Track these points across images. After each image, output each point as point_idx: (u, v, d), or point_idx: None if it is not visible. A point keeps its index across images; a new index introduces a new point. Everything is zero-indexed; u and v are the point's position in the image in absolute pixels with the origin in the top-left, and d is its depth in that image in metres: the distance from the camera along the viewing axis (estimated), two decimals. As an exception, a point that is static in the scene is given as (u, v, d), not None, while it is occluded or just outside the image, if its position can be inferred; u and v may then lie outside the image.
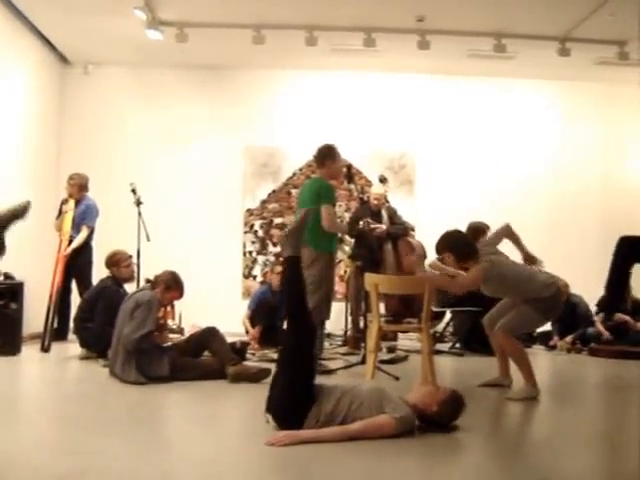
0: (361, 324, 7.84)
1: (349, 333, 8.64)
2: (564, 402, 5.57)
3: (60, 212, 8.55)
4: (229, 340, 6.37)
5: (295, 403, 3.91)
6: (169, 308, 9.05)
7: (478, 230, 7.86)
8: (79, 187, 8.51)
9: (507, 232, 6.06)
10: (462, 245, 5.75)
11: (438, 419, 4.09)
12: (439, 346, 8.46)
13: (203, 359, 6.17)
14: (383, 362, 6.69)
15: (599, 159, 11.17)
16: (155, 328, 5.94)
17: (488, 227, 8.06)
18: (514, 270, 5.70)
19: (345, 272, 9.83)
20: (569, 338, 8.83)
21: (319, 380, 4.12)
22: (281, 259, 10.48)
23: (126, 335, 5.77)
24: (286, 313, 4.24)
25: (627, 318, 8.85)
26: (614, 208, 10.92)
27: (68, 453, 3.57)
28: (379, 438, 3.80)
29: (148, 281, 6.44)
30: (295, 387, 3.95)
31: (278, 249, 10.68)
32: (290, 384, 3.95)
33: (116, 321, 6.04)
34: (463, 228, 6.87)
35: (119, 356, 5.82)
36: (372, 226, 8.10)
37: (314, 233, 6.52)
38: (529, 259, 6.06)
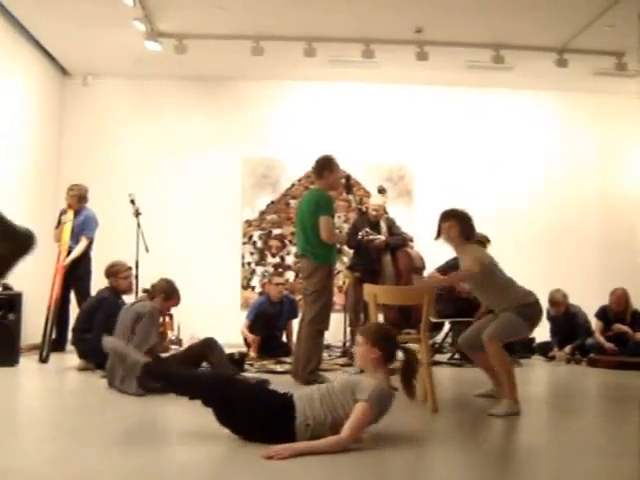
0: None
1: (348, 344, 8.62)
2: (563, 413, 5.56)
3: (59, 222, 8.54)
4: (228, 351, 6.37)
5: (268, 418, 3.92)
6: (168, 319, 9.07)
7: (479, 242, 7.87)
8: (78, 198, 8.50)
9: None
10: (468, 218, 5.83)
11: (389, 354, 4.18)
12: (438, 357, 8.45)
13: (202, 370, 6.16)
14: (382, 373, 6.67)
15: (598, 170, 11.19)
16: (159, 342, 5.95)
17: (489, 240, 8.08)
18: (502, 272, 5.66)
19: (344, 283, 9.83)
20: (568, 349, 8.82)
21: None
22: (280, 270, 10.49)
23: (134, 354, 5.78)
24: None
25: (626, 329, 8.84)
26: (613, 219, 10.94)
27: (66, 464, 3.56)
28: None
29: (145, 291, 6.44)
30: (255, 405, 3.98)
31: (277, 260, 10.69)
32: (250, 406, 3.98)
33: (114, 332, 6.03)
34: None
35: (117, 368, 5.80)
36: (371, 237, 8.11)
37: (314, 244, 6.54)
38: None
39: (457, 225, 5.71)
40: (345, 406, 3.91)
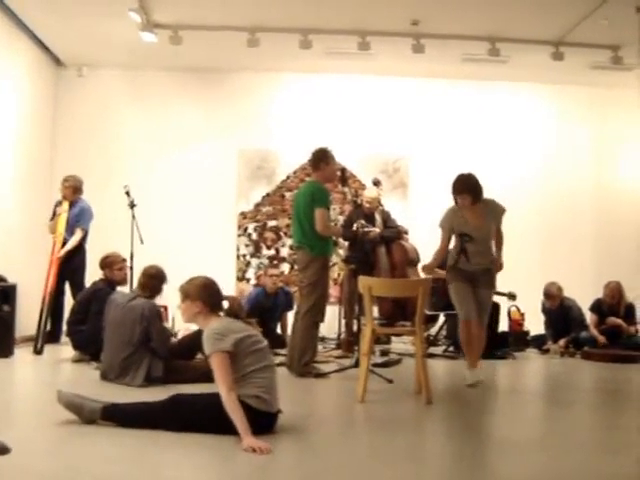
0: (354, 327, 7.84)
1: (342, 336, 8.63)
2: (556, 405, 5.57)
3: (54, 214, 8.52)
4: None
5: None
6: (162, 310, 9.06)
7: None
8: (73, 189, 8.49)
9: None
10: (480, 188, 6.49)
11: (213, 304, 4.21)
12: (432, 349, 8.47)
13: (196, 361, 6.15)
14: (376, 365, 6.70)
15: (593, 162, 11.19)
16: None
17: None
18: None
19: (339, 275, 9.83)
20: (562, 342, 8.84)
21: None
22: (275, 262, 10.50)
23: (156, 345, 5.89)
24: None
25: (620, 322, 8.87)
26: (608, 212, 10.95)
27: (59, 455, 3.56)
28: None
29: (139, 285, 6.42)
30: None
31: (272, 252, 10.69)
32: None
33: (106, 327, 6.05)
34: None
35: (117, 362, 5.82)
36: (366, 229, 8.11)
37: (310, 236, 6.54)
38: None
39: (469, 196, 6.35)
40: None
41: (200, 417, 3.97)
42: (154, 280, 6.18)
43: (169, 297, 8.21)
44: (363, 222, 7.92)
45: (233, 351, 3.89)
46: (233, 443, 3.67)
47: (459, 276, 6.29)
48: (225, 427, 3.79)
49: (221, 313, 4.21)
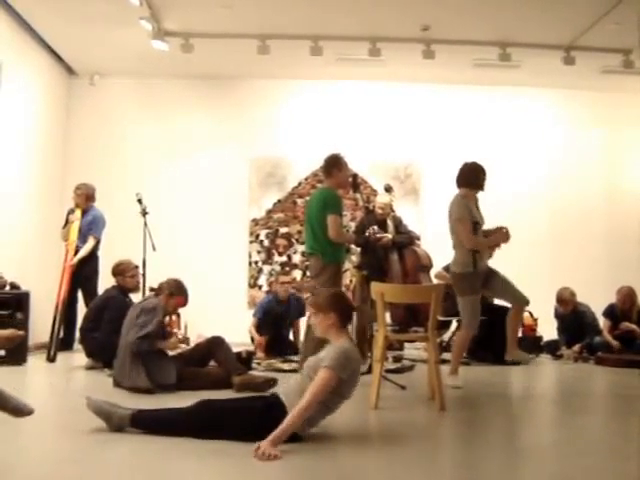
0: (367, 334, 7.82)
1: (355, 343, 8.60)
2: (571, 411, 5.54)
3: (66, 222, 8.56)
4: (235, 350, 6.35)
5: (260, 426, 3.86)
6: (175, 317, 9.07)
7: None
8: (86, 197, 8.52)
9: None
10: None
11: (345, 316, 4.19)
12: (445, 355, 8.42)
13: (209, 368, 6.16)
14: (389, 371, 6.69)
15: (604, 167, 11.17)
16: (157, 331, 5.90)
17: None
18: None
19: (351, 281, 9.81)
20: (577, 347, 8.79)
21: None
22: (287, 268, 10.49)
23: (129, 338, 5.80)
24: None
25: (634, 327, 8.82)
26: (619, 217, 10.92)
27: (74, 463, 3.56)
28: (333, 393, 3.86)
29: (152, 289, 6.45)
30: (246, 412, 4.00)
31: (284, 259, 10.69)
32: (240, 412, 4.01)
33: (122, 330, 6.05)
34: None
35: (125, 364, 5.82)
36: (378, 235, 8.09)
37: (322, 243, 6.53)
38: None
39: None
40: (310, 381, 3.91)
41: (229, 421, 3.97)
42: (173, 281, 6.22)
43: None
44: (376, 228, 7.92)
45: (344, 380, 3.91)
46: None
47: (475, 286, 6.27)
48: (252, 431, 3.79)
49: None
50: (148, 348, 5.78)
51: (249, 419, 3.89)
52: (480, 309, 6.34)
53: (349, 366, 3.92)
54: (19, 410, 3.54)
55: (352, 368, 3.95)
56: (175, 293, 6.16)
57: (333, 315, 4.11)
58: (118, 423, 4.10)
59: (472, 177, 6.56)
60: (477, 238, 6.30)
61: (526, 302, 6.29)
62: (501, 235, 6.41)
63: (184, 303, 6.31)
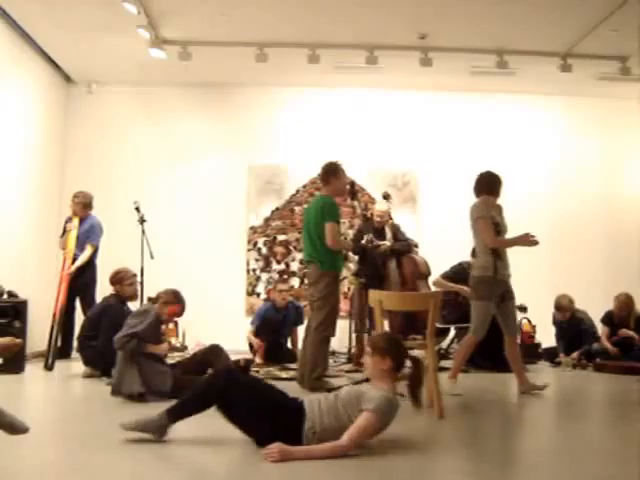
0: (365, 341, 7.82)
1: (353, 350, 8.61)
2: (569, 418, 5.54)
3: (64, 230, 8.55)
4: (233, 358, 6.35)
5: (277, 422, 3.93)
6: (172, 326, 9.07)
7: None
8: (83, 205, 8.51)
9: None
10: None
11: (399, 364, 4.14)
12: (444, 363, 8.43)
13: (205, 377, 6.13)
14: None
15: (602, 174, 11.16)
16: (148, 335, 5.86)
17: None
18: None
19: (349, 289, 9.83)
20: (576, 354, 8.79)
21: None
22: (285, 276, 10.49)
23: (115, 337, 5.80)
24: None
25: (632, 334, 8.82)
26: (617, 223, 10.92)
27: (72, 471, 3.55)
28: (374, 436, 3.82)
29: (150, 299, 6.44)
30: (265, 410, 4.00)
31: (282, 266, 10.69)
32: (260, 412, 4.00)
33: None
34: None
35: (121, 370, 5.80)
36: (375, 243, 8.10)
37: (320, 251, 6.54)
38: None
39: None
40: (351, 415, 3.89)
41: (258, 401, 4.03)
42: (170, 290, 6.22)
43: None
44: (372, 236, 7.93)
45: (383, 427, 3.95)
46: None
47: (491, 292, 6.30)
48: (271, 420, 3.93)
49: None
50: (133, 348, 5.73)
51: (273, 409, 3.95)
52: (491, 318, 6.34)
53: (391, 414, 3.95)
54: (15, 427, 3.52)
55: (393, 416, 3.96)
56: (169, 301, 6.14)
57: (389, 360, 4.10)
58: (159, 427, 4.10)
59: (490, 185, 6.59)
60: (498, 237, 6.31)
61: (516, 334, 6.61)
62: (524, 238, 6.40)
63: (180, 312, 6.29)
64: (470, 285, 6.52)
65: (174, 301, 6.16)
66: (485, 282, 6.28)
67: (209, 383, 4.19)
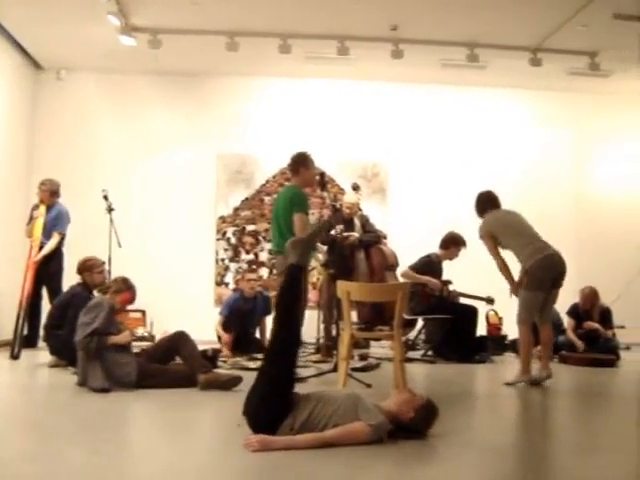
0: (333, 332, 7.84)
1: (321, 341, 8.62)
2: (532, 409, 5.60)
3: (31, 218, 8.46)
4: (201, 348, 6.33)
5: (272, 410, 3.88)
6: (139, 314, 9.04)
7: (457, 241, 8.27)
8: (50, 193, 8.43)
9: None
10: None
11: (413, 426, 4.09)
12: (411, 354, 8.48)
13: (173, 365, 6.10)
14: (355, 370, 6.70)
15: (572, 167, 11.26)
16: (106, 328, 5.81)
17: (464, 242, 8.32)
18: None
19: (317, 280, 9.84)
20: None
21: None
22: (254, 266, 10.48)
23: (76, 339, 5.75)
24: (275, 320, 4.20)
25: (597, 326, 8.91)
26: (587, 217, 11.03)
27: (33, 460, 3.53)
28: (351, 445, 3.79)
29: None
30: (274, 394, 3.91)
31: (250, 256, 10.67)
32: (269, 391, 3.92)
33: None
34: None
35: (83, 365, 5.76)
36: (344, 234, 8.12)
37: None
38: None
39: None
40: (342, 417, 3.87)
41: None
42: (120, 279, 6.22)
43: (147, 301, 8.26)
44: (342, 228, 7.94)
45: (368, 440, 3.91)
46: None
47: (544, 284, 6.65)
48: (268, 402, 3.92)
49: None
50: (97, 346, 5.69)
51: (278, 391, 3.93)
52: (537, 309, 6.64)
53: (380, 434, 3.91)
54: None
55: (379, 436, 3.93)
56: (120, 289, 6.10)
57: (412, 416, 4.10)
58: None
59: (491, 203, 6.92)
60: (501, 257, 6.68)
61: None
62: (514, 285, 6.75)
63: (131, 299, 6.26)
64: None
65: (124, 288, 6.13)
66: (534, 270, 6.68)
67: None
